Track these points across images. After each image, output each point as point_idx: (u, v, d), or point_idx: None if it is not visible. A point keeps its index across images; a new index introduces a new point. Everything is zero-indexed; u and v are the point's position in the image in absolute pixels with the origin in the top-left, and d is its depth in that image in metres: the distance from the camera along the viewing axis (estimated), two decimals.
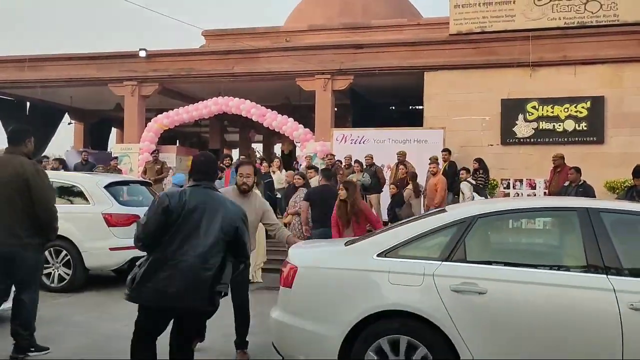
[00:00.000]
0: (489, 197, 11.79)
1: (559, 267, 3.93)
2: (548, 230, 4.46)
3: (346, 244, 4.47)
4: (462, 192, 11.10)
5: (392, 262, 4.01)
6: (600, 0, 13.62)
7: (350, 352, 3.92)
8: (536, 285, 3.71)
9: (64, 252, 8.14)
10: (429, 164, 11.28)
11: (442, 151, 12.22)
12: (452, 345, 3.71)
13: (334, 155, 12.74)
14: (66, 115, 22.56)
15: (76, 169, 14.49)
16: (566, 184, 9.88)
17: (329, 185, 8.41)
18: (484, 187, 11.55)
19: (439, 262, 3.92)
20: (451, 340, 3.69)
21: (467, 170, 11.46)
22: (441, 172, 11.48)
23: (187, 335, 3.96)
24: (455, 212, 4.29)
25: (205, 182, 3.98)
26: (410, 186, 10.43)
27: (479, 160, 11.84)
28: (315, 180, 10.79)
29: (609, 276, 3.60)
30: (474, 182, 11.31)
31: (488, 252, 4.24)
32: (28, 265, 4.98)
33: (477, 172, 11.67)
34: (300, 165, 14.09)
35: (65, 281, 8.15)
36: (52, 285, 8.15)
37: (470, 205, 4.83)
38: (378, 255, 4.07)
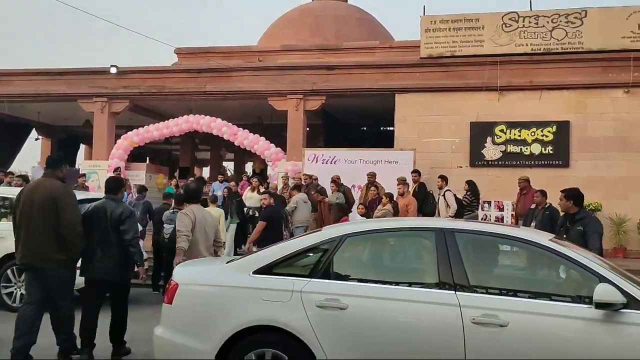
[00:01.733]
0: (477, 217, 11.92)
1: (415, 284, 4.14)
2: (409, 249, 4.71)
3: (227, 262, 4.66)
4: (445, 199, 11.17)
5: (265, 279, 4.22)
6: (565, 28, 14.03)
7: None
8: (392, 301, 3.94)
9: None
10: (397, 184, 11.36)
11: (411, 172, 12.32)
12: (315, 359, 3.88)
13: (310, 176, 12.67)
14: (33, 130, 22.17)
15: None
16: (532, 206, 10.01)
17: (281, 207, 8.93)
18: (471, 208, 11.64)
19: (308, 279, 4.14)
20: (314, 353, 3.88)
21: (444, 179, 11.58)
22: (411, 194, 11.57)
23: None
24: (328, 232, 4.57)
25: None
26: (387, 206, 10.42)
27: (470, 182, 11.94)
28: (298, 197, 11.21)
29: (457, 292, 3.82)
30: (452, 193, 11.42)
31: (352, 270, 4.44)
32: (56, 280, 5.48)
33: (467, 193, 11.79)
34: (270, 184, 14.04)
35: None
36: (14, 305, 7.91)
37: (343, 226, 5.10)
38: (254, 273, 4.28)
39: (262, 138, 15.81)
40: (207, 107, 16.81)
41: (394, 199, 10.75)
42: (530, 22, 14.25)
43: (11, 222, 8.11)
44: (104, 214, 5.76)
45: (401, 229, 4.63)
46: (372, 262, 4.64)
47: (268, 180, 15.87)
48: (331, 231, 4.55)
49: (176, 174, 20.88)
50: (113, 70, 16.62)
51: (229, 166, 26.84)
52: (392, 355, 3.82)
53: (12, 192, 9.08)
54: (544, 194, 9.98)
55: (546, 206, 9.74)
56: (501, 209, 12.96)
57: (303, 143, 15.67)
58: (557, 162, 13.78)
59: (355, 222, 6.03)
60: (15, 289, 7.97)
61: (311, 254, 4.36)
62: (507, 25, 14.35)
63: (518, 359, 3.60)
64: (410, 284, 4.14)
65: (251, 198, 13.09)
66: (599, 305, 3.55)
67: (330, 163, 14.22)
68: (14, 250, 7.81)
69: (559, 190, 12.23)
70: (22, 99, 17.69)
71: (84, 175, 15.13)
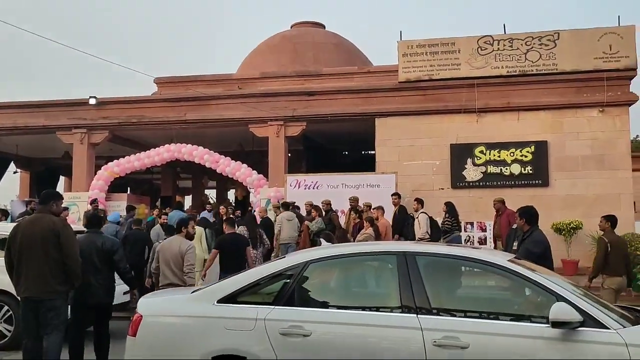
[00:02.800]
0: (460, 238, 11.98)
1: (378, 308, 4.16)
2: (371, 274, 4.72)
3: (193, 292, 4.62)
4: (418, 222, 11.23)
5: (229, 308, 4.21)
6: (539, 50, 14.32)
7: None
8: (356, 326, 3.96)
9: (6, 307, 7.75)
10: (370, 210, 11.48)
11: (392, 195, 12.36)
12: None
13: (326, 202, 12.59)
14: (12, 164, 21.91)
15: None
16: (514, 226, 10.09)
17: (236, 233, 9.01)
18: (451, 230, 11.71)
19: (272, 307, 4.13)
20: None
21: (419, 202, 11.66)
22: (392, 217, 11.63)
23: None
24: (291, 258, 4.57)
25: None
26: (369, 230, 10.46)
27: (448, 204, 12.03)
28: (282, 216, 11.64)
29: (418, 315, 3.85)
30: (427, 214, 11.47)
31: (316, 296, 4.46)
32: (54, 310, 5.64)
33: (446, 215, 11.85)
34: (254, 211, 14.00)
35: (7, 338, 7.71)
36: None
37: (306, 252, 5.09)
38: (218, 302, 4.26)
39: (244, 165, 15.79)
40: (188, 135, 16.78)
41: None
42: (504, 45, 14.53)
43: None
44: (93, 246, 6.33)
45: (364, 253, 4.62)
46: (336, 288, 4.65)
47: (250, 208, 15.81)
48: (294, 258, 4.55)
49: (158, 203, 20.70)
50: (92, 101, 16.55)
51: (211, 194, 26.71)
52: None
53: None
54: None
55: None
56: (484, 230, 13.03)
57: (285, 169, 15.68)
58: (536, 181, 13.95)
59: (319, 248, 6.12)
60: None
61: (275, 282, 4.34)
62: (483, 48, 14.61)
63: None
64: (373, 309, 4.17)
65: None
66: (555, 324, 3.58)
67: (313, 188, 14.24)
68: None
69: (540, 209, 12.39)
70: (0, 132, 17.50)
71: (67, 208, 14.90)
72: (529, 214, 6.70)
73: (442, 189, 14.34)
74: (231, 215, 12.47)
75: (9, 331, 7.72)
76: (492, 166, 14.17)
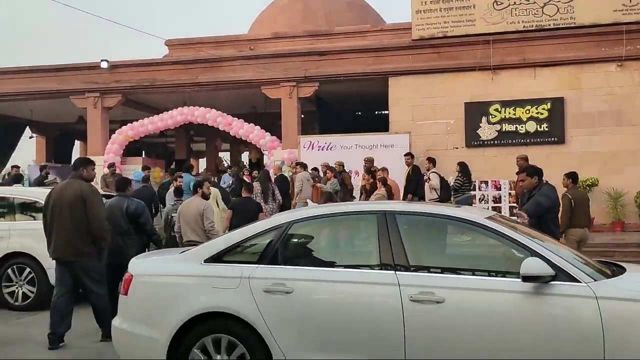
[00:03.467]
0: (471, 199, 11.97)
1: (358, 266, 4.31)
2: (353, 233, 4.83)
3: (181, 252, 4.76)
4: (429, 180, 11.25)
5: (215, 267, 4.34)
6: (557, 4, 13.97)
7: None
8: (336, 283, 4.09)
9: (28, 269, 7.94)
10: (376, 172, 11.55)
11: (404, 155, 12.30)
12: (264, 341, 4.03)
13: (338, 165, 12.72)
14: (27, 128, 22.08)
15: (39, 184, 14.15)
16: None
17: (249, 197, 9.26)
18: (462, 190, 11.67)
19: (256, 266, 4.25)
20: (262, 336, 4.02)
21: (431, 161, 11.63)
22: (405, 177, 11.64)
23: None
24: (276, 218, 4.72)
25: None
26: (381, 190, 10.52)
27: (460, 164, 11.96)
28: (302, 175, 11.90)
29: (396, 272, 3.95)
30: (438, 174, 11.48)
31: (299, 255, 4.59)
32: (86, 270, 5.99)
33: (458, 175, 11.81)
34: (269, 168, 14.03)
35: (30, 299, 7.93)
36: (16, 303, 7.92)
37: (291, 212, 5.31)
38: (205, 261, 4.39)
39: (257, 127, 15.77)
40: (200, 98, 16.74)
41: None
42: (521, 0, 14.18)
43: (10, 222, 8.19)
44: (120, 210, 6.93)
45: (345, 213, 4.71)
46: (318, 247, 4.75)
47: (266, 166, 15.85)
48: (279, 218, 4.67)
49: (172, 166, 20.85)
50: (104, 64, 16.51)
51: (225, 157, 26.77)
52: (335, 334, 3.96)
53: (9, 192, 9.08)
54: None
55: (544, 182, 9.77)
56: (498, 189, 13.01)
57: (298, 130, 15.64)
58: (552, 139, 13.79)
59: (303, 208, 6.21)
60: (17, 287, 7.97)
61: (259, 241, 4.45)
62: (499, 3, 14.28)
63: (454, 332, 3.75)
64: (353, 266, 4.30)
65: None
66: (526, 278, 3.68)
67: (326, 149, 14.23)
68: (14, 250, 7.96)
69: (556, 167, 12.34)
70: (14, 98, 17.58)
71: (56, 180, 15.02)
72: (537, 172, 6.97)
73: (457, 148, 14.25)
74: (248, 180, 12.52)
75: (32, 292, 7.93)
76: (507, 124, 14.02)
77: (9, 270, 7.98)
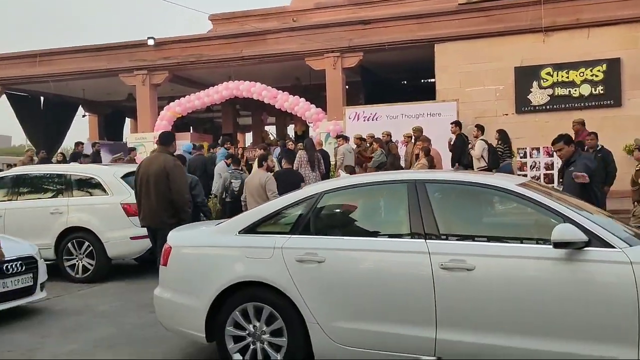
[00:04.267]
0: (511, 166, 11.71)
1: (388, 235, 4.32)
2: (383, 202, 4.78)
3: (217, 224, 4.85)
4: (473, 149, 11.06)
5: (249, 238, 4.45)
6: None
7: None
8: (367, 251, 4.14)
9: (87, 243, 8.24)
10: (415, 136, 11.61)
11: (451, 123, 12.06)
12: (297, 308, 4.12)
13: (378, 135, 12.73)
14: (80, 107, 22.72)
15: (73, 159, 14.65)
16: (586, 148, 9.73)
17: (291, 169, 9.33)
18: (503, 158, 11.42)
19: (288, 236, 4.32)
20: (296, 304, 4.11)
21: (479, 128, 11.41)
22: (452, 145, 11.47)
23: None
24: (307, 189, 4.79)
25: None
26: (422, 160, 10.44)
27: (500, 131, 11.71)
28: (344, 148, 11.95)
29: (427, 240, 3.95)
30: (486, 141, 11.24)
31: (330, 225, 4.64)
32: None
33: (498, 143, 11.57)
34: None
35: (89, 272, 8.24)
36: (77, 276, 8.25)
37: (323, 183, 5.30)
38: (239, 233, 4.49)
39: (302, 99, 15.75)
40: (245, 72, 16.80)
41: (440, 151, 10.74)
42: None
43: (68, 198, 8.50)
44: None
45: (376, 182, 4.70)
46: (349, 216, 4.76)
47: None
48: (310, 189, 4.74)
49: (220, 140, 21.12)
50: (150, 42, 16.75)
51: (271, 130, 26.91)
52: (366, 302, 4.01)
53: (66, 169, 9.40)
54: (596, 136, 9.71)
55: (598, 148, 9.47)
56: (550, 155, 12.63)
57: (343, 102, 15.54)
58: (608, 102, 13.26)
59: (335, 179, 6.24)
60: (77, 261, 8.29)
61: (292, 212, 4.52)
62: None
63: (485, 300, 3.73)
64: (384, 235, 4.33)
65: None
66: (557, 245, 3.60)
67: (372, 120, 14.10)
68: (73, 224, 8.28)
69: (612, 131, 11.90)
70: (66, 77, 18.08)
71: (135, 149, 15.44)
72: (572, 140, 6.91)
73: (506, 114, 13.89)
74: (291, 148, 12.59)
75: (91, 265, 8.24)
76: (559, 88, 13.54)
77: (69, 244, 8.30)
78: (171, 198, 6.35)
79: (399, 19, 15.15)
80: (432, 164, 10.36)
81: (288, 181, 8.82)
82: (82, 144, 16.73)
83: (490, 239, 4.03)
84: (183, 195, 6.43)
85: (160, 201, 6.35)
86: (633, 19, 13.12)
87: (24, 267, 6.23)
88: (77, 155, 15.05)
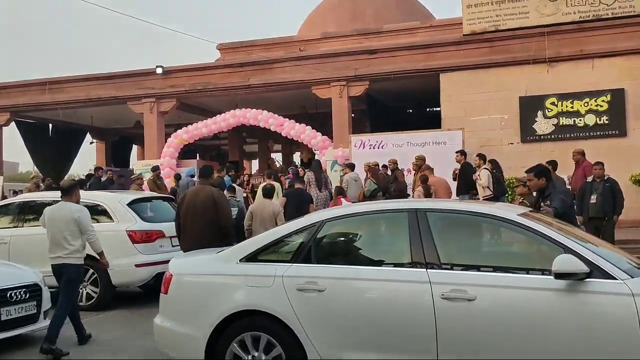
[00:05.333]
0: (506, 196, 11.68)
1: (389, 264, 4.33)
2: (384, 231, 4.79)
3: (218, 252, 4.83)
4: (479, 178, 11.03)
5: (250, 266, 4.44)
6: None
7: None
8: (368, 281, 4.11)
9: (91, 270, 8.21)
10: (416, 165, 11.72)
11: (456, 152, 12.08)
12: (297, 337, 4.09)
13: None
14: (88, 134, 22.92)
15: (105, 187, 14.67)
16: (589, 179, 9.73)
17: (302, 189, 10.20)
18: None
19: (289, 265, 4.32)
20: (296, 334, 4.08)
21: (481, 157, 11.41)
22: (458, 175, 11.47)
23: None
24: (308, 217, 4.80)
25: None
26: (418, 189, 10.57)
27: (492, 161, 11.73)
28: (348, 176, 12.09)
29: (428, 270, 3.94)
30: (490, 170, 11.21)
31: (331, 253, 4.65)
32: None
33: (492, 173, 11.54)
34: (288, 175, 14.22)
35: (93, 299, 8.19)
36: (81, 304, 8.16)
37: (324, 211, 5.30)
38: (240, 261, 4.49)
39: (308, 127, 15.86)
40: (252, 100, 16.96)
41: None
42: None
43: None
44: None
45: (377, 211, 4.67)
46: (350, 245, 4.77)
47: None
48: (311, 217, 4.76)
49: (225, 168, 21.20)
50: (159, 70, 16.98)
51: (277, 157, 27.03)
52: (367, 332, 3.99)
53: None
54: (603, 166, 9.69)
55: (605, 178, 9.45)
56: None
57: (349, 130, 15.63)
58: (613, 131, 13.29)
59: (337, 208, 6.27)
60: (81, 288, 8.24)
61: (293, 240, 4.52)
62: None
63: (486, 331, 3.71)
64: (385, 264, 4.33)
65: None
66: (559, 276, 3.58)
67: (378, 148, 14.16)
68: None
69: (618, 160, 11.89)
70: (75, 105, 18.30)
71: (141, 176, 15.48)
72: (544, 172, 6.53)
73: (512, 143, 13.92)
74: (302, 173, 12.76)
75: (95, 293, 8.21)
76: (564, 118, 13.60)
77: None
78: (219, 223, 6.80)
79: (405, 49, 15.33)
80: (429, 192, 10.43)
81: (298, 200, 9.64)
82: (102, 169, 16.86)
83: (491, 268, 4.02)
84: (229, 220, 7.02)
85: (209, 227, 6.77)
86: (636, 50, 13.23)
87: (28, 295, 6.22)
88: (96, 181, 15.15)
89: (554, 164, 10.04)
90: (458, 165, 11.86)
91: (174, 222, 8.71)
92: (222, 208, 6.93)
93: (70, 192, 6.30)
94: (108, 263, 6.65)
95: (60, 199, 6.37)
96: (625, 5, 13.40)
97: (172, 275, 4.65)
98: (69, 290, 6.07)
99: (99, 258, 6.57)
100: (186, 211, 6.91)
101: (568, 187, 11.99)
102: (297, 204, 9.51)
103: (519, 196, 8.39)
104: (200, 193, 6.99)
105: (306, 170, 13.08)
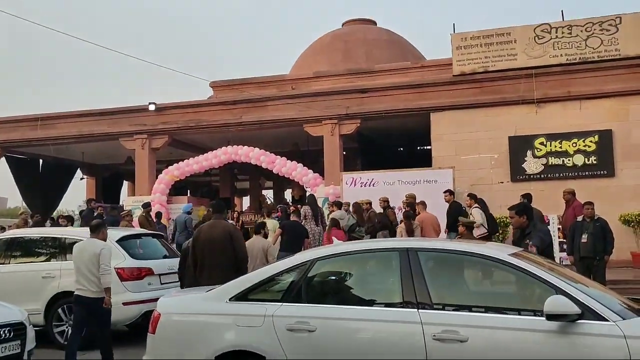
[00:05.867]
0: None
1: (380, 304, 4.27)
2: (375, 270, 4.76)
3: (207, 291, 4.77)
4: (472, 217, 11.04)
5: (240, 305, 4.39)
6: (600, 36, 13.79)
7: None
8: (358, 321, 4.07)
9: None
10: (407, 204, 11.64)
11: (443, 192, 12.12)
12: None
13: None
14: (78, 170, 22.84)
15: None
16: (579, 218, 9.77)
17: (299, 222, 10.70)
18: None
19: (280, 304, 4.28)
20: None
21: (472, 197, 11.47)
22: (446, 213, 11.50)
23: None
24: (299, 256, 4.75)
25: None
26: (401, 225, 10.71)
27: (480, 201, 11.79)
28: (333, 215, 11.99)
29: (419, 310, 3.91)
30: (481, 208, 11.26)
31: (321, 292, 4.60)
32: None
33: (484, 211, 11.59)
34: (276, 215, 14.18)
35: None
36: (66, 343, 8.05)
37: (315, 250, 5.28)
38: (230, 300, 4.45)
39: (300, 165, 15.90)
40: (244, 137, 17.04)
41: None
42: (563, 33, 14.06)
43: (61, 262, 8.39)
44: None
45: (368, 250, 4.70)
46: (341, 284, 4.73)
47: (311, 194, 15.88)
48: (303, 255, 4.73)
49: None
50: (152, 107, 17.05)
51: (269, 194, 27.01)
52: None
53: (61, 232, 9.34)
54: (593, 205, 9.75)
55: (595, 218, 9.49)
56: (547, 223, 12.64)
57: (340, 167, 15.69)
58: (602, 172, 13.43)
59: (327, 246, 6.30)
60: (67, 327, 8.11)
61: (284, 279, 4.49)
62: (540, 37, 14.19)
63: None
64: (376, 304, 4.28)
65: None
66: (550, 317, 3.58)
67: (369, 186, 14.18)
68: (65, 289, 8.14)
69: (607, 201, 11.98)
70: (66, 141, 18.29)
71: (130, 213, 15.37)
72: (525, 210, 6.77)
73: (502, 182, 14.02)
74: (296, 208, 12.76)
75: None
76: (553, 158, 13.74)
77: (60, 310, 8.15)
78: (236, 257, 6.99)
79: (396, 88, 15.53)
80: (411, 229, 10.52)
81: (294, 232, 10.07)
82: (94, 200, 16.78)
83: (483, 309, 4.00)
84: (245, 254, 7.23)
85: (226, 260, 6.90)
86: (622, 92, 13.49)
87: (12, 334, 6.07)
88: (89, 213, 15.06)
89: (528, 196, 10.55)
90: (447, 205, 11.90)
91: (163, 259, 8.65)
92: (238, 241, 7.16)
93: (97, 230, 6.96)
94: (110, 302, 6.69)
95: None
96: (611, 49, 13.71)
97: (160, 314, 4.56)
98: (101, 320, 6.69)
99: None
100: (203, 246, 7.02)
101: (559, 226, 12.08)
102: (293, 236, 9.95)
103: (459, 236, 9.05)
104: (217, 228, 7.15)
105: (302, 205, 13.12)
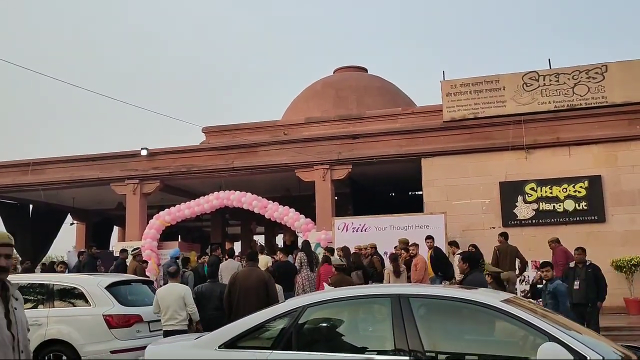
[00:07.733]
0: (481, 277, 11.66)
1: (372, 351, 4.21)
2: (366, 317, 4.74)
3: (196, 338, 4.75)
4: (456, 264, 11.01)
5: (230, 353, 4.33)
6: (587, 84, 14.09)
7: None
8: None
9: (64, 357, 7.90)
10: (401, 249, 11.52)
11: (425, 239, 12.06)
12: None
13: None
14: (69, 215, 22.66)
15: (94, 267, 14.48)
16: (572, 264, 9.77)
17: (289, 261, 11.80)
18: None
19: (270, 351, 4.22)
20: None
21: (453, 244, 11.57)
22: (428, 259, 11.46)
23: None
24: (290, 303, 4.74)
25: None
26: (388, 266, 10.66)
27: (473, 246, 11.81)
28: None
29: (411, 358, 3.85)
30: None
31: (312, 339, 4.53)
32: None
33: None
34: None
35: None
36: None
37: (305, 296, 5.27)
38: (219, 347, 4.39)
39: (292, 210, 15.88)
40: (236, 182, 17.05)
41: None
42: (550, 80, 14.37)
43: (49, 309, 8.25)
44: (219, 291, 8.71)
45: (359, 296, 4.67)
46: (332, 331, 4.67)
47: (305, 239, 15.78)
48: (293, 302, 4.70)
49: (208, 250, 20.97)
50: (144, 152, 17.09)
51: (260, 239, 26.85)
52: None
53: (48, 278, 9.21)
54: (584, 251, 9.76)
55: (587, 264, 9.49)
56: (539, 268, 12.62)
57: (332, 212, 15.68)
58: (592, 217, 13.50)
59: (318, 292, 6.32)
60: None
61: (274, 326, 4.45)
62: (528, 84, 14.48)
63: None
64: (367, 352, 4.21)
65: None
66: None
67: (361, 231, 14.16)
68: (51, 337, 7.97)
69: (598, 246, 11.99)
70: (57, 186, 18.21)
71: (140, 251, 15.18)
72: (471, 259, 7.59)
73: (493, 227, 14.03)
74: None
75: None
76: (544, 203, 13.82)
77: (46, 358, 7.95)
78: (269, 302, 7.30)
79: (387, 134, 15.70)
80: (398, 269, 10.53)
81: (284, 270, 10.92)
82: (94, 246, 16.63)
83: (476, 357, 3.96)
84: (277, 299, 7.78)
85: (260, 305, 7.02)
86: (610, 138, 13.70)
87: None
88: (91, 260, 14.92)
89: (476, 247, 11.57)
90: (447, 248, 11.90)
91: (152, 306, 8.52)
92: (271, 287, 7.95)
93: (175, 275, 8.73)
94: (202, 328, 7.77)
95: None
96: (597, 96, 14.00)
97: None
98: None
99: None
100: (239, 291, 7.74)
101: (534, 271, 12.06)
102: (282, 273, 10.59)
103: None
104: (252, 275, 7.97)
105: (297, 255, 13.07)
